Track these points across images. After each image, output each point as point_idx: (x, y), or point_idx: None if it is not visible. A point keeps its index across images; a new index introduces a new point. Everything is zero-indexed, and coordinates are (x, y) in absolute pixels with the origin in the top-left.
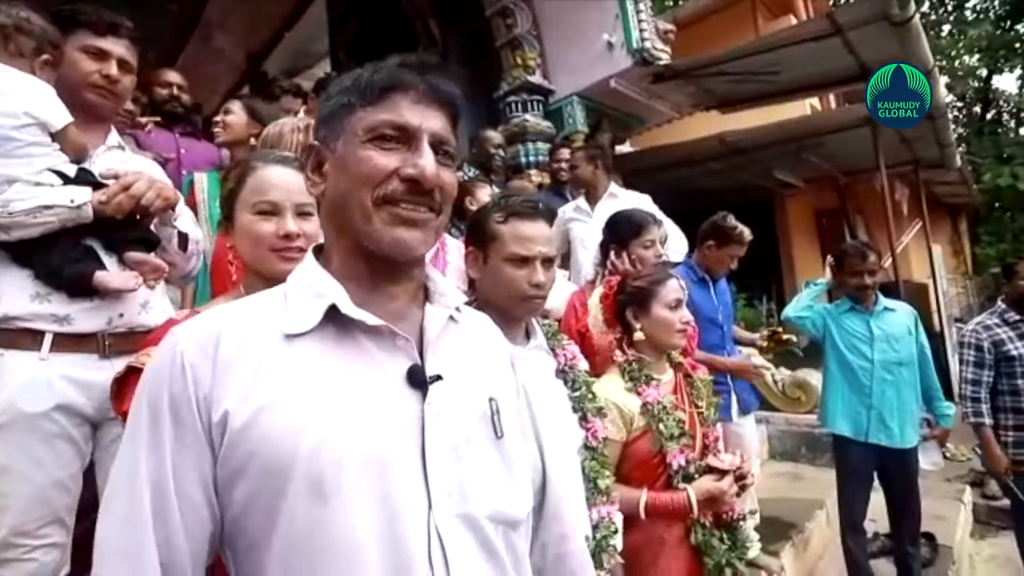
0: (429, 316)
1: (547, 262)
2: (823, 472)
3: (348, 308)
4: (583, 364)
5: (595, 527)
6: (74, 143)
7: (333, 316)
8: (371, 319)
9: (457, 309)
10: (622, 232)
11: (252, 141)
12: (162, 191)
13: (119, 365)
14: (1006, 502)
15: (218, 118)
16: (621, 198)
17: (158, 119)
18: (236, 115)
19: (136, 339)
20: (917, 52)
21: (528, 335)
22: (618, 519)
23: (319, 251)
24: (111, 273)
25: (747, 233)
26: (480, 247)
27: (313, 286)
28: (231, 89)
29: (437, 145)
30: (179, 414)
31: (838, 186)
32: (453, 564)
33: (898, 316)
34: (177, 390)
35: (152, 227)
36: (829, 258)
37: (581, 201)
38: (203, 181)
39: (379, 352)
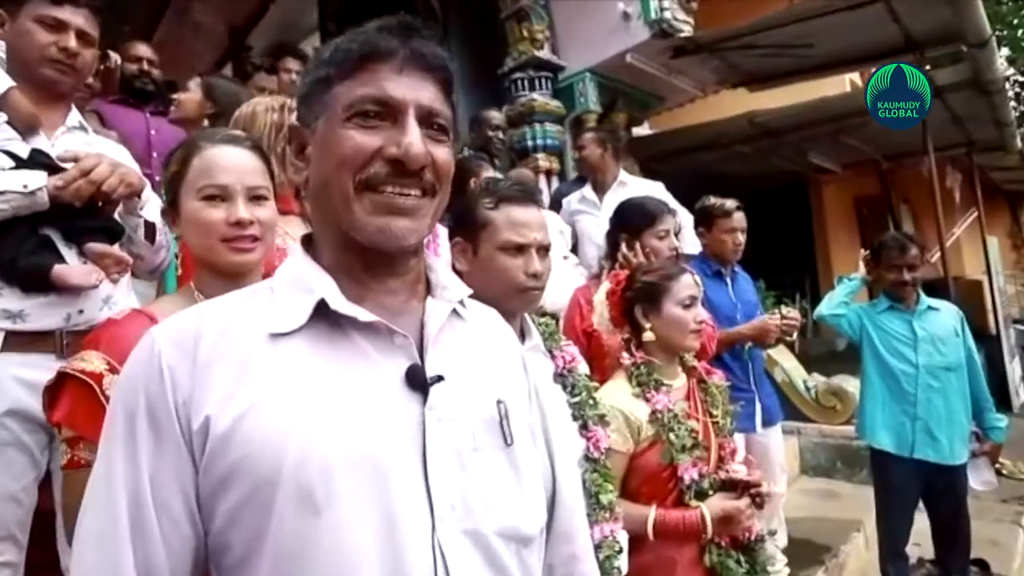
0: (430, 311)
1: (542, 250)
2: (861, 489)
3: (338, 303)
4: (583, 367)
5: (597, 547)
6: (21, 111)
7: (324, 313)
8: (364, 315)
9: (461, 303)
10: (635, 221)
11: (206, 122)
12: (126, 176)
13: None
14: None
15: (175, 95)
16: (631, 186)
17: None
18: (191, 92)
19: None
20: (972, 20)
21: (523, 335)
22: (623, 538)
23: (308, 241)
24: (71, 267)
25: (729, 204)
26: (469, 236)
27: (301, 280)
28: (212, 66)
29: (427, 118)
30: (157, 420)
31: (880, 171)
32: None
33: (943, 316)
34: (154, 394)
35: (116, 216)
36: (863, 251)
37: (587, 191)
38: None
39: (375, 351)
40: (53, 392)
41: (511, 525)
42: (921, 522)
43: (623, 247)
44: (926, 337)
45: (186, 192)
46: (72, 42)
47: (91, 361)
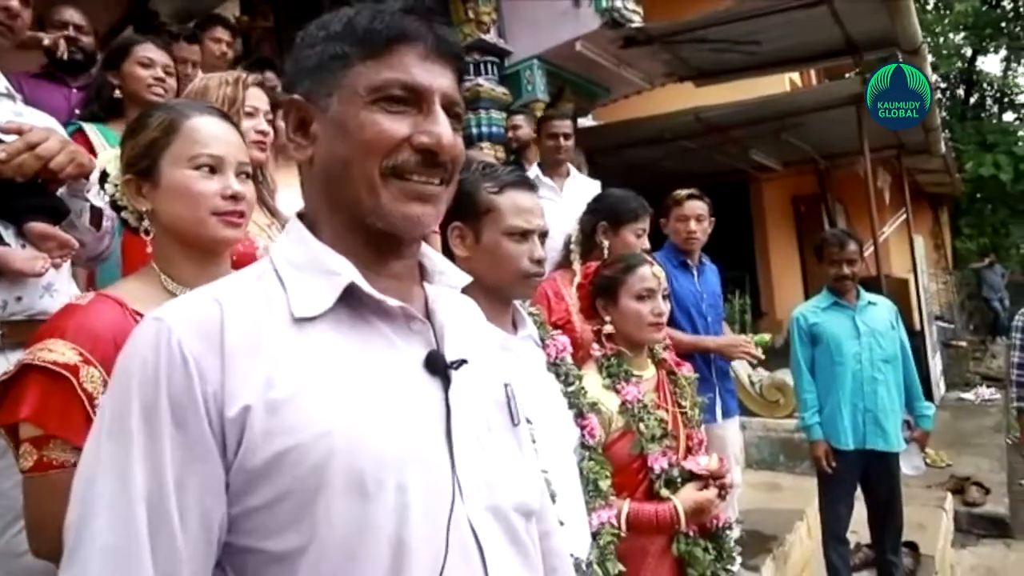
0: (434, 297)
1: (543, 236)
2: (802, 480)
3: (369, 289)
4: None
5: (596, 534)
6: None
7: (344, 297)
8: (391, 301)
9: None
10: (619, 213)
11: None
12: (76, 155)
13: (15, 359)
14: (987, 509)
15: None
16: (579, 179)
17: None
18: None
19: (37, 328)
20: (906, 27)
21: (515, 324)
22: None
23: (300, 217)
24: (14, 251)
25: (682, 192)
26: (470, 222)
27: (318, 262)
28: (109, 31)
29: (448, 107)
30: (182, 414)
31: (818, 170)
32: (489, 557)
33: (880, 311)
34: (178, 389)
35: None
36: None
37: (543, 177)
38: (97, 134)
39: (396, 336)
40: (8, 387)
41: (523, 500)
42: (857, 510)
43: (600, 236)
44: (868, 331)
45: (171, 161)
46: (14, 2)
47: (61, 351)
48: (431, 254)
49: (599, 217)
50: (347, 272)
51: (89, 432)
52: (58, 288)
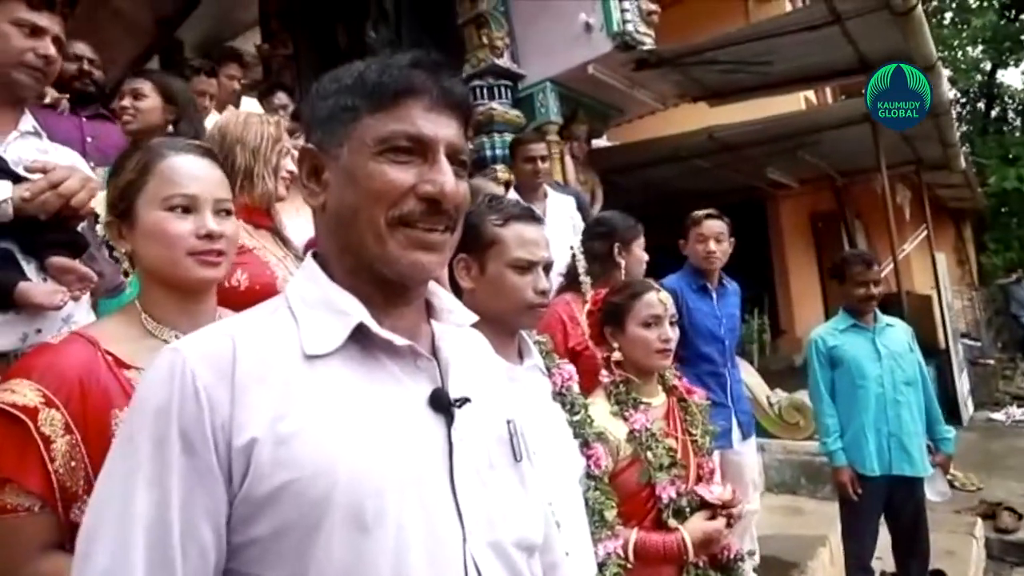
0: (441, 335)
1: (547, 268)
2: (824, 505)
3: (376, 328)
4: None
5: (602, 564)
6: None
7: (354, 335)
8: (399, 340)
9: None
10: (627, 231)
11: (170, 128)
12: (96, 191)
13: None
14: (1021, 536)
15: (125, 102)
16: (552, 197)
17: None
18: (149, 99)
19: None
20: (920, 44)
21: (521, 354)
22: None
23: (315, 257)
24: (35, 285)
25: (700, 212)
26: (475, 254)
27: (330, 301)
28: (136, 59)
29: (453, 155)
30: (191, 444)
31: (835, 187)
32: None
33: (898, 332)
34: (190, 419)
35: (80, 230)
36: None
37: (522, 202)
38: None
39: (402, 374)
40: None
41: (524, 536)
42: (881, 536)
43: (616, 255)
44: (888, 353)
45: (146, 202)
46: (52, 49)
47: (23, 393)
48: (439, 292)
49: (611, 240)
50: (356, 312)
51: (42, 476)
52: (77, 319)
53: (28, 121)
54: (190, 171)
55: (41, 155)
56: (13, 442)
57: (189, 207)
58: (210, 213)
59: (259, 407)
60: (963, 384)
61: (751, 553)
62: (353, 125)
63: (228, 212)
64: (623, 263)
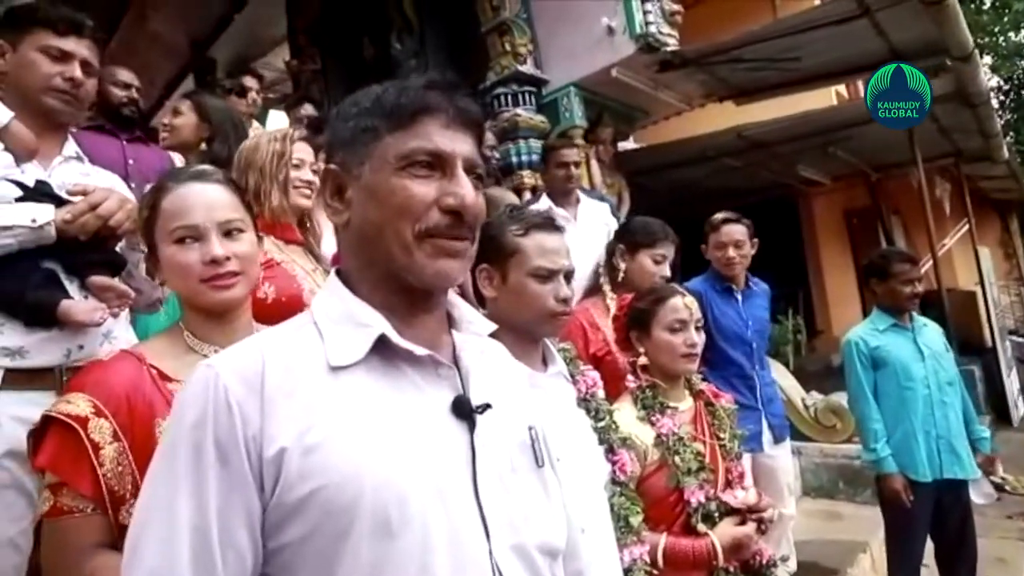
0: (461, 344)
1: (568, 276)
2: (864, 509)
3: (397, 339)
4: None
5: (628, 571)
6: (22, 140)
7: (376, 346)
8: (419, 350)
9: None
10: (637, 237)
11: (203, 145)
12: (133, 212)
13: None
14: None
15: (165, 119)
16: (585, 201)
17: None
18: (184, 116)
19: None
20: (954, 33)
21: (545, 361)
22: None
23: (338, 274)
24: (76, 303)
25: (718, 217)
26: (497, 264)
27: (352, 315)
28: (172, 79)
29: (469, 169)
30: (226, 454)
31: (870, 183)
32: None
33: (934, 332)
34: (223, 431)
35: (118, 249)
36: None
37: (555, 207)
38: None
39: (424, 382)
40: (38, 436)
41: (546, 540)
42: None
43: (617, 259)
44: (930, 354)
45: (160, 237)
46: (78, 72)
47: (76, 403)
48: (459, 303)
49: (617, 240)
50: (378, 324)
51: (93, 480)
52: (116, 335)
53: (71, 147)
54: (191, 201)
55: (83, 178)
56: (67, 448)
57: (195, 236)
58: (216, 237)
59: (287, 419)
60: (1012, 383)
61: (784, 559)
62: (374, 144)
63: (239, 231)
64: (622, 266)
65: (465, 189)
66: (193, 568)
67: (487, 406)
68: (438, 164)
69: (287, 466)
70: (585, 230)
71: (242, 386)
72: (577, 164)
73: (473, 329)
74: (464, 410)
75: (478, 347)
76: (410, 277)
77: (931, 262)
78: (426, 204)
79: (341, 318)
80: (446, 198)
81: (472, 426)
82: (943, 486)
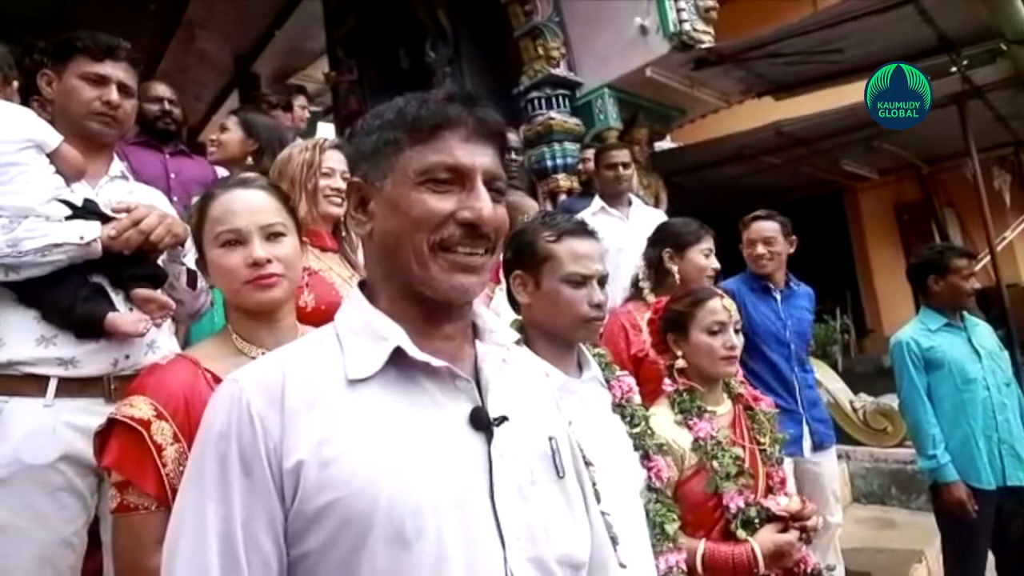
0: (483, 355)
1: (602, 280)
2: (918, 516)
3: (413, 351)
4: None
5: None
6: (71, 162)
7: (394, 358)
8: (435, 361)
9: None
10: (682, 236)
11: (249, 159)
12: (172, 226)
13: None
14: None
15: (213, 135)
16: (641, 208)
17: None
18: (231, 131)
19: None
20: (1010, 16)
21: (580, 366)
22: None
23: (361, 286)
24: (121, 315)
25: (750, 216)
26: (530, 270)
27: (371, 327)
28: (218, 94)
29: (489, 181)
30: (249, 465)
31: (921, 176)
32: None
33: (987, 330)
34: (247, 441)
35: (160, 262)
36: None
37: (608, 208)
38: None
39: (441, 395)
40: (103, 437)
41: (567, 552)
42: None
43: (668, 263)
44: (986, 353)
45: (207, 242)
46: (114, 95)
47: (139, 407)
48: (484, 313)
49: (663, 245)
50: (394, 337)
51: (156, 480)
52: (160, 345)
53: (117, 166)
54: (234, 206)
55: (128, 196)
56: (132, 449)
57: (238, 240)
58: (258, 240)
59: (305, 432)
60: None
61: (831, 568)
62: (396, 158)
63: (281, 234)
64: (675, 269)
65: (483, 202)
66: (222, 573)
67: (504, 418)
68: (457, 178)
69: (305, 478)
70: (636, 232)
71: (264, 399)
72: (626, 165)
73: (496, 339)
74: (481, 422)
75: (500, 357)
76: (427, 290)
77: (989, 257)
78: (442, 217)
79: (361, 330)
80: (463, 211)
81: (490, 437)
82: (1004, 493)
